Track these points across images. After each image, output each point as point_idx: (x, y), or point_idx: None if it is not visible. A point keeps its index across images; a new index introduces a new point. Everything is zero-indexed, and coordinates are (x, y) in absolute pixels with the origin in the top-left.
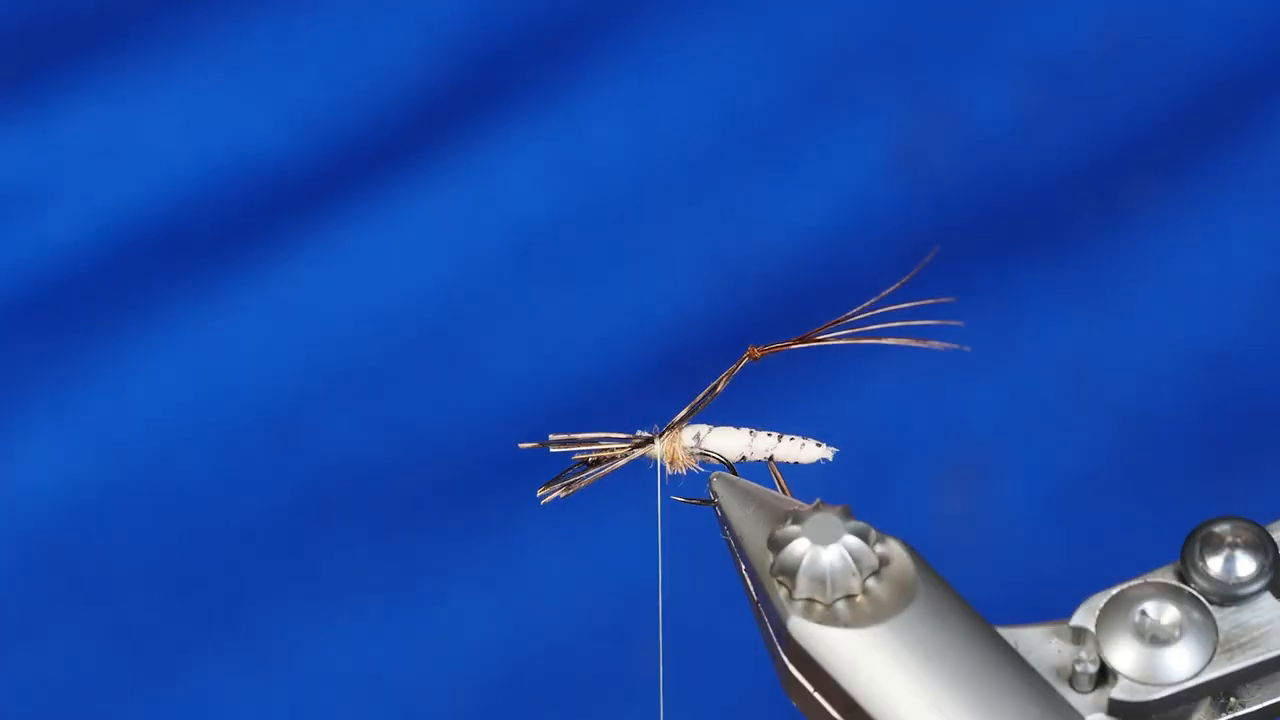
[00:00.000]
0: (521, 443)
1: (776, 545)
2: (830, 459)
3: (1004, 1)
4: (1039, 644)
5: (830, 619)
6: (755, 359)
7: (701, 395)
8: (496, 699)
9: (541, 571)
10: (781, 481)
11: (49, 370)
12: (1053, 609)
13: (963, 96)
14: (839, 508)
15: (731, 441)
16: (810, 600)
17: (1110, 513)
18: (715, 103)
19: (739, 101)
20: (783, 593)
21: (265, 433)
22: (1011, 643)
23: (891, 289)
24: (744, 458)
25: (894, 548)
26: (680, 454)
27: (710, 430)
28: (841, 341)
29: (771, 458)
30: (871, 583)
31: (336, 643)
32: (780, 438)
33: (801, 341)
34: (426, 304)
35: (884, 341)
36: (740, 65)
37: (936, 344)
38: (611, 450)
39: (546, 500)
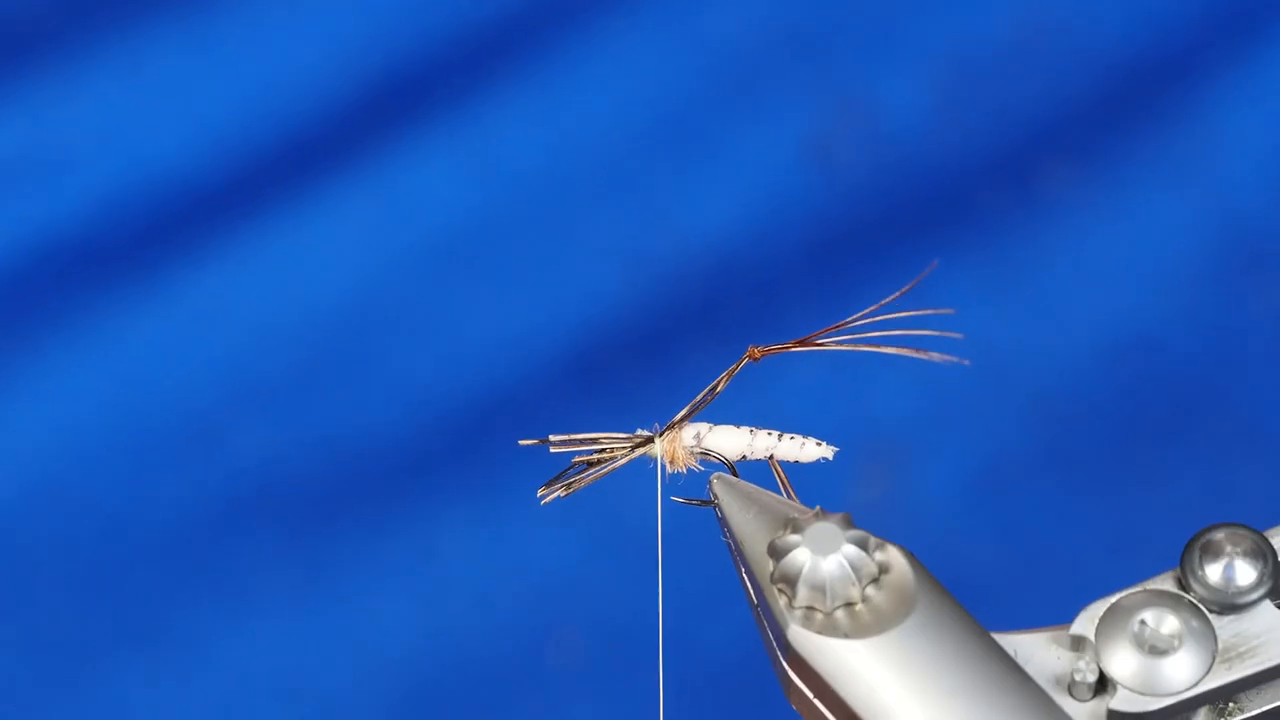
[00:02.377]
0: (522, 439)
1: (776, 553)
2: (830, 458)
3: None
4: (1038, 651)
5: (830, 628)
6: (755, 359)
7: (701, 395)
8: (414, 698)
9: (456, 571)
10: (784, 480)
11: None
12: (972, 595)
13: (876, 88)
14: (839, 516)
15: (732, 440)
16: (810, 609)
17: (1028, 498)
18: (628, 102)
19: (652, 100)
20: (783, 601)
21: (180, 439)
22: (1010, 650)
23: (892, 297)
24: (744, 456)
25: (893, 555)
26: (680, 453)
27: (710, 429)
28: (842, 348)
29: (772, 456)
30: (871, 591)
31: (253, 647)
32: (780, 437)
33: (801, 345)
34: (342, 310)
35: (884, 350)
36: (652, 64)
37: (936, 356)
38: (611, 450)
39: (547, 500)
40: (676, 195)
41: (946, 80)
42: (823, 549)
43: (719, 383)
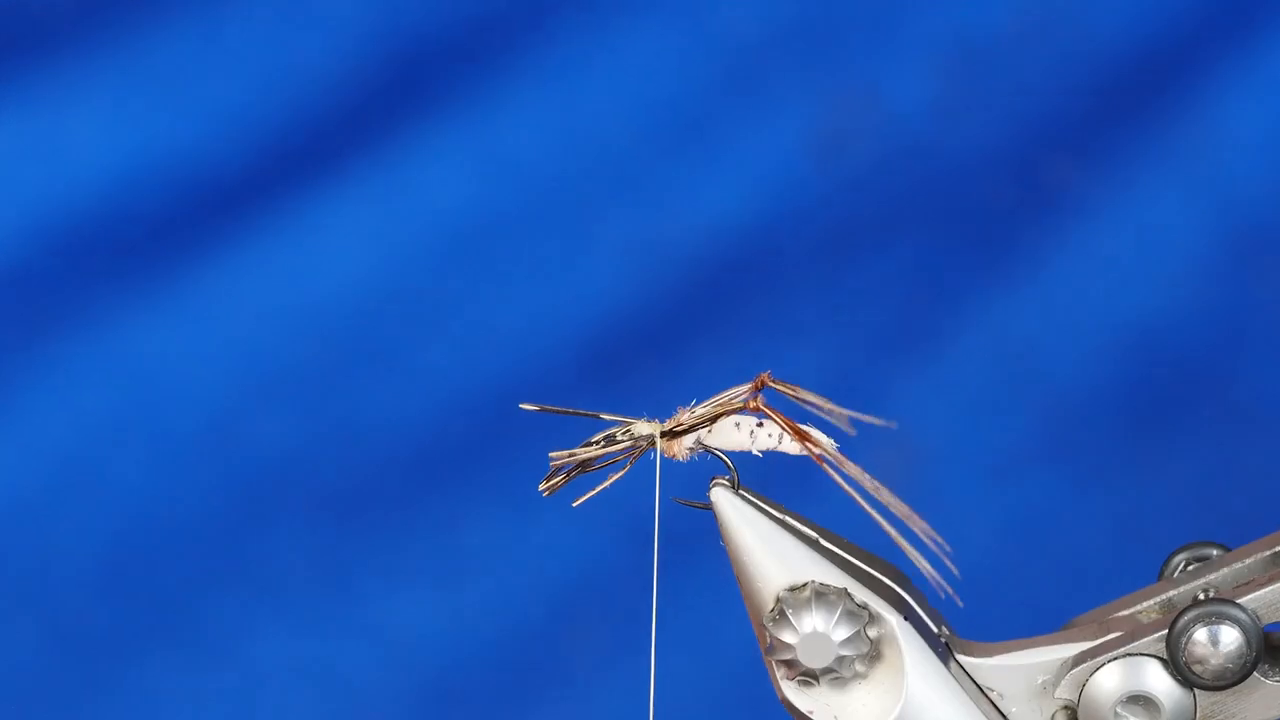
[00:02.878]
0: (523, 404)
1: (771, 635)
2: (831, 454)
3: None
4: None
5: (823, 707)
6: (757, 393)
7: (707, 416)
8: (438, 689)
9: (479, 562)
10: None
11: None
12: (983, 588)
13: (881, 80)
14: (837, 590)
15: (733, 437)
16: (804, 679)
17: (1038, 490)
18: (637, 96)
19: (660, 94)
20: (779, 671)
21: (200, 432)
22: (1000, 672)
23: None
24: (747, 451)
25: (888, 628)
26: (681, 451)
27: (711, 429)
28: (834, 458)
29: (821, 459)
30: (861, 668)
31: (278, 638)
32: (781, 436)
33: (794, 431)
34: (356, 301)
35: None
36: (661, 57)
37: (927, 566)
38: (611, 451)
39: (548, 494)
40: (685, 189)
41: (953, 71)
42: (813, 659)
43: (720, 415)
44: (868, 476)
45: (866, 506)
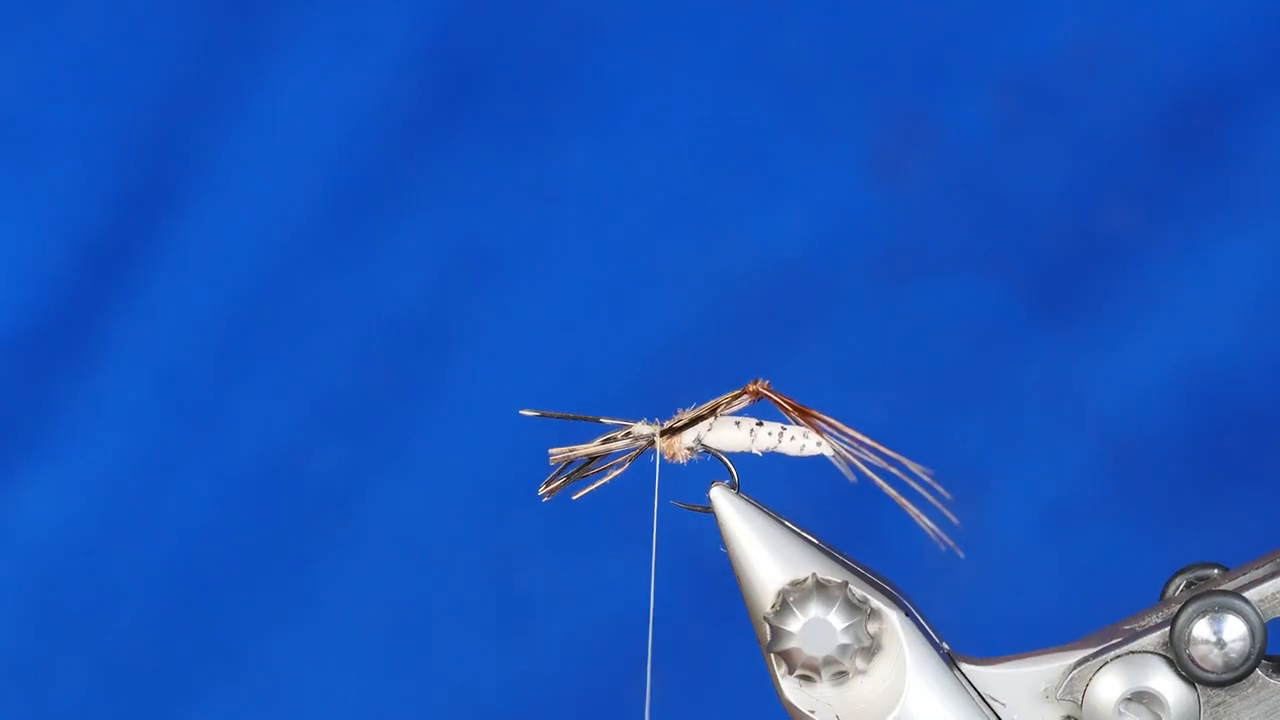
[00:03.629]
0: (523, 409)
1: (771, 628)
2: (830, 454)
3: (978, 15)
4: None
5: (823, 706)
6: (753, 395)
7: (703, 411)
8: None
9: (532, 602)
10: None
11: (38, 411)
12: (1041, 633)
13: (939, 110)
14: (836, 583)
15: (734, 436)
16: (804, 677)
17: (1099, 536)
18: (694, 124)
19: (717, 120)
20: (781, 668)
21: (258, 467)
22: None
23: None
24: (747, 451)
25: (889, 623)
26: (681, 451)
27: (711, 427)
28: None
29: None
30: (862, 663)
31: (334, 678)
32: (781, 435)
33: (800, 413)
34: (419, 333)
35: (876, 481)
36: (716, 84)
37: (929, 525)
38: (612, 452)
39: (547, 498)
40: (743, 216)
41: (1011, 104)
42: (815, 647)
43: (718, 406)
44: (867, 440)
45: (873, 476)
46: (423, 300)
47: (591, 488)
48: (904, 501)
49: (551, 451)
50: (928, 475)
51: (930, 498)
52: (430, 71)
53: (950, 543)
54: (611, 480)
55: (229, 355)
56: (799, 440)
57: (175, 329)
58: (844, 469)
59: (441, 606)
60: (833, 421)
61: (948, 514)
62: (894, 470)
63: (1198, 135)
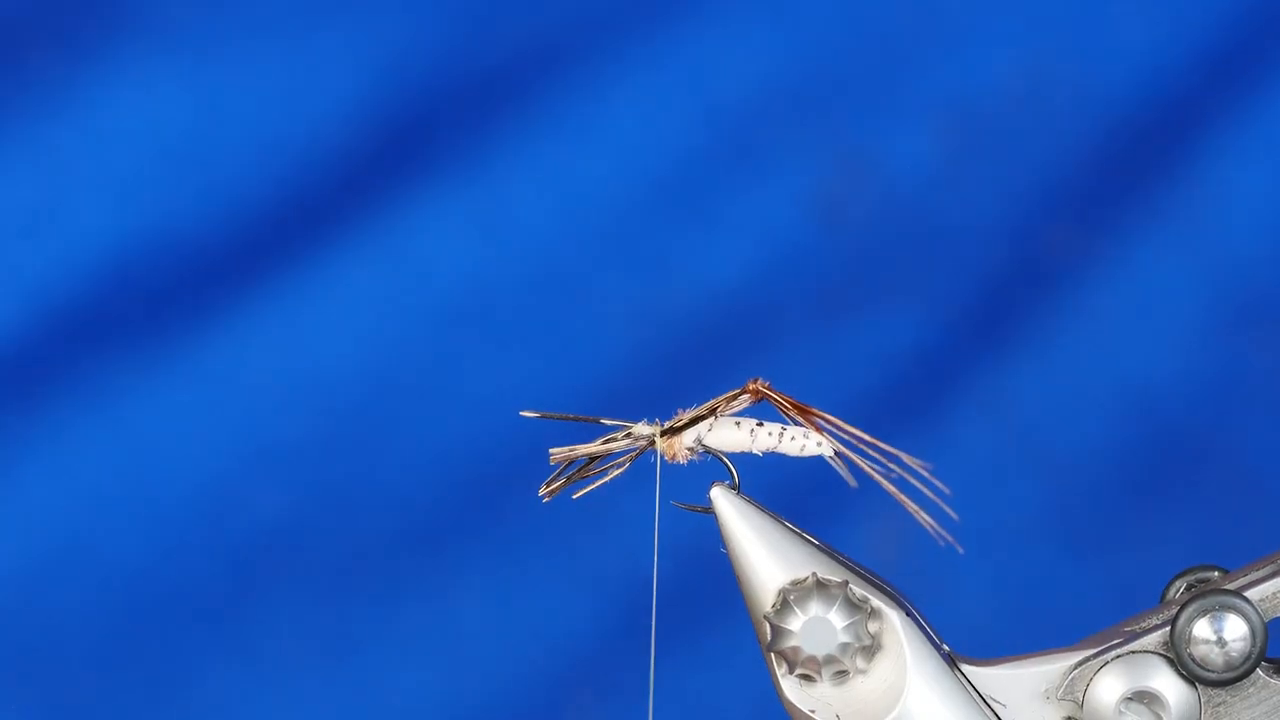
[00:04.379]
0: (524, 411)
1: (772, 627)
2: (829, 455)
3: (919, 49)
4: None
5: (823, 706)
6: (752, 394)
7: (703, 411)
8: None
9: (474, 634)
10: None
11: None
12: (979, 646)
13: (880, 144)
14: (836, 583)
15: (733, 438)
16: (805, 676)
17: (1035, 554)
18: (634, 160)
19: (658, 158)
20: (780, 669)
21: (198, 504)
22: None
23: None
24: (747, 451)
25: (889, 622)
26: (681, 452)
27: (711, 427)
28: (839, 446)
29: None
30: (863, 663)
31: (273, 709)
32: (781, 435)
33: (800, 410)
34: (353, 371)
35: (875, 476)
36: (658, 122)
37: (926, 518)
38: (611, 451)
39: (548, 498)
40: (683, 253)
41: (950, 135)
42: (816, 646)
43: (718, 406)
44: (867, 436)
45: (873, 473)
46: (358, 342)
47: (591, 487)
48: (903, 498)
49: (552, 451)
50: (926, 470)
51: (929, 493)
52: (364, 112)
53: (949, 538)
54: (611, 480)
55: (167, 395)
56: (799, 440)
57: (112, 369)
58: (843, 472)
59: (377, 641)
60: (832, 419)
61: (947, 509)
62: (893, 467)
63: (1136, 159)
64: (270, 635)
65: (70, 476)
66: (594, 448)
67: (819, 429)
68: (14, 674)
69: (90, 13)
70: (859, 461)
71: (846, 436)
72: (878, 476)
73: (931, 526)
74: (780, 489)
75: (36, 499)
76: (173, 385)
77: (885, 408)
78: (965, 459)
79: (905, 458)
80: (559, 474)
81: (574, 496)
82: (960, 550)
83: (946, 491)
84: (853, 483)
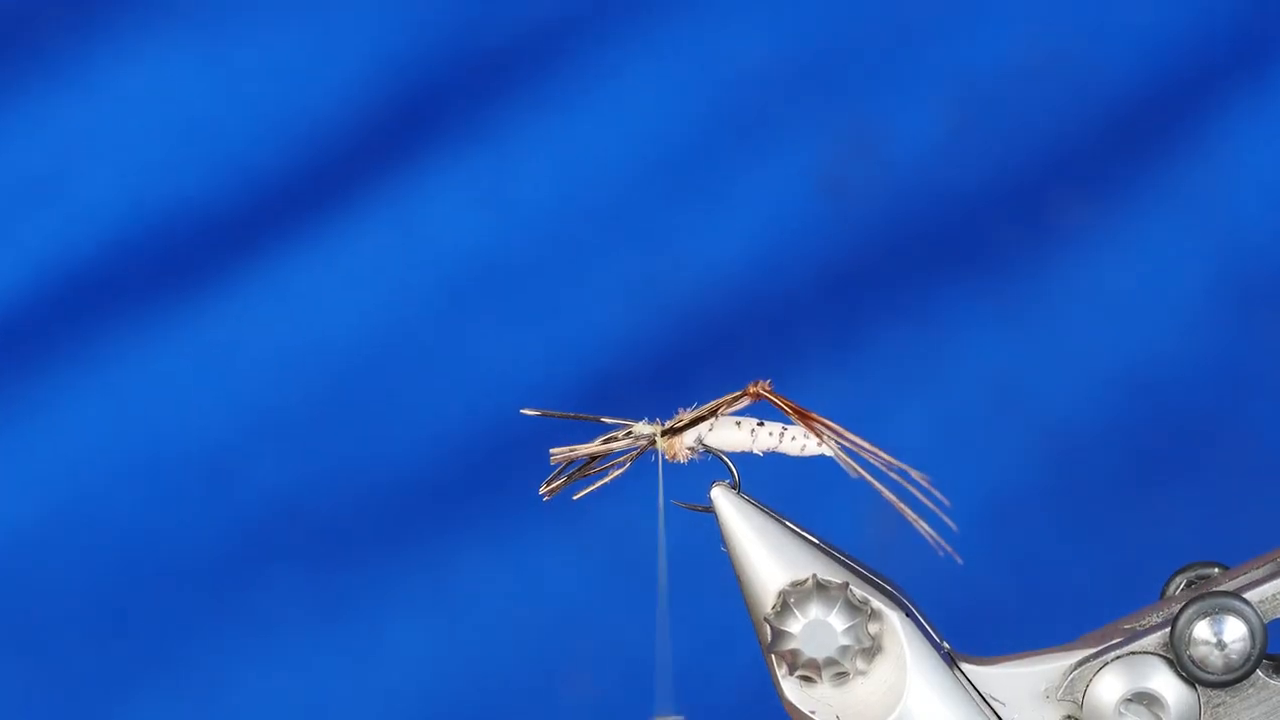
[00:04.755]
0: (524, 409)
1: (773, 629)
2: (831, 454)
3: (924, 26)
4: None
5: (824, 706)
6: (752, 396)
7: (704, 412)
8: None
9: (473, 604)
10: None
11: None
12: (981, 630)
13: (886, 120)
14: (837, 584)
15: (733, 437)
16: (805, 678)
17: (1037, 528)
18: (641, 137)
19: (665, 135)
20: (781, 670)
21: (198, 471)
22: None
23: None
24: (748, 451)
25: (890, 624)
26: (682, 451)
27: (712, 427)
28: (836, 452)
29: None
30: (863, 664)
31: (271, 678)
32: (782, 435)
33: (799, 415)
34: (358, 343)
35: (874, 483)
36: (665, 99)
37: (923, 525)
38: (612, 450)
39: (548, 496)
40: (690, 230)
41: (957, 112)
42: (815, 648)
43: (719, 407)
44: (867, 444)
45: (872, 481)
46: (362, 312)
47: (592, 487)
48: (903, 506)
49: (552, 451)
50: (926, 481)
51: (929, 503)
52: (378, 83)
53: (949, 548)
54: (612, 480)
55: (169, 362)
56: (800, 440)
57: (114, 335)
58: (845, 466)
59: (376, 608)
60: (833, 425)
61: (946, 520)
62: (893, 475)
63: (1142, 133)
64: (270, 602)
65: (72, 445)
66: (594, 447)
67: (819, 434)
68: (11, 641)
69: None
70: (857, 469)
71: (846, 443)
72: (878, 484)
73: (931, 536)
74: (780, 488)
75: (38, 467)
76: (177, 354)
77: (887, 382)
78: (966, 430)
79: (907, 468)
80: (559, 473)
81: (574, 497)
82: (959, 561)
83: (947, 503)
84: (853, 474)
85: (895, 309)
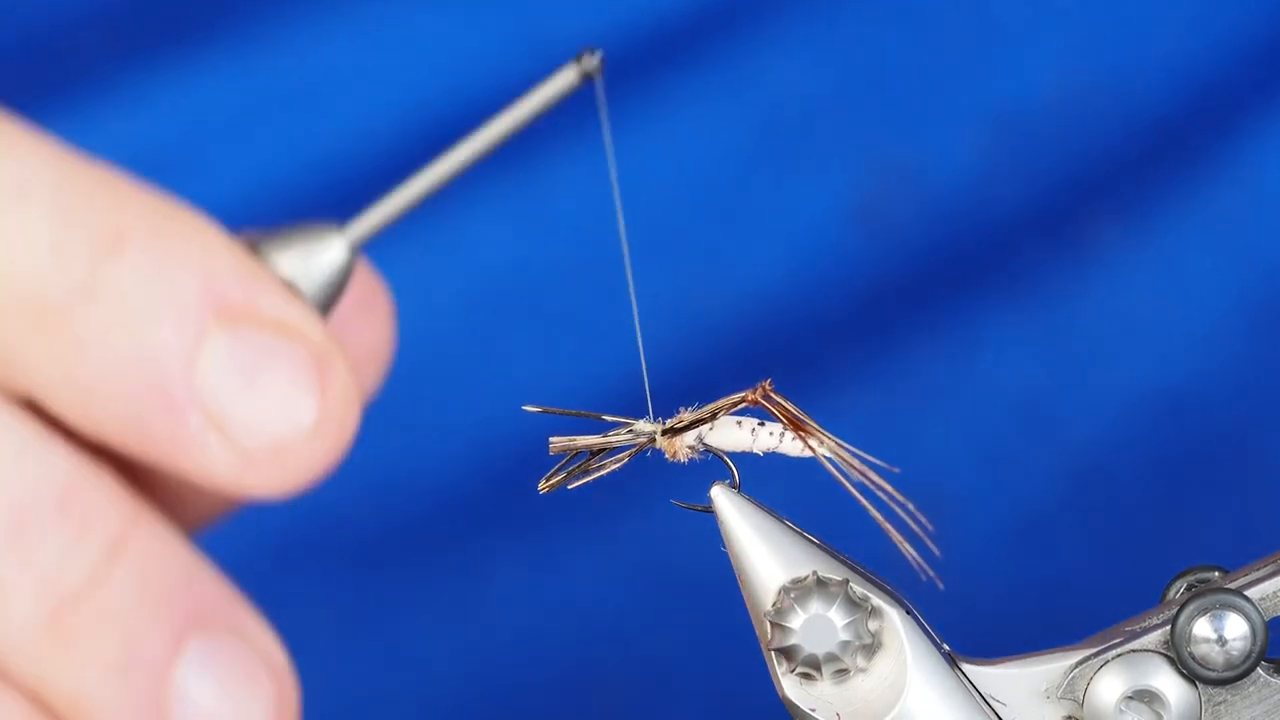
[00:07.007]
0: (527, 405)
1: (773, 626)
2: (829, 455)
3: (960, 53)
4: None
5: (824, 705)
6: (755, 398)
7: (704, 414)
8: None
9: (503, 614)
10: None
11: None
12: (1004, 647)
13: (920, 148)
14: (838, 581)
15: (735, 436)
16: (805, 675)
17: (1065, 551)
18: (678, 160)
19: (701, 159)
20: (781, 667)
21: None
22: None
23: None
24: (748, 451)
25: (890, 621)
26: (682, 451)
27: (712, 427)
28: (824, 459)
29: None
30: (863, 661)
31: (304, 685)
32: (782, 436)
33: (794, 426)
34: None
35: (860, 499)
36: (702, 121)
37: (909, 549)
38: (613, 445)
39: (547, 490)
40: (725, 253)
41: (990, 139)
42: (816, 644)
43: (721, 408)
44: (858, 464)
45: (862, 500)
46: (404, 322)
47: (587, 479)
48: (889, 527)
49: (552, 440)
50: (911, 506)
51: (915, 527)
52: (416, 100)
53: (931, 573)
54: (608, 474)
55: None
56: (800, 441)
57: None
58: (835, 476)
59: (408, 620)
60: (828, 436)
61: (930, 545)
62: (880, 495)
63: (1172, 159)
64: (301, 610)
65: None
66: (593, 440)
67: (807, 443)
68: None
69: None
70: (845, 483)
71: (836, 459)
72: (865, 502)
73: (914, 559)
74: (780, 488)
75: None
76: None
77: (915, 401)
78: (993, 449)
79: (894, 492)
80: (559, 468)
81: (569, 487)
82: (940, 586)
83: (931, 529)
84: (842, 478)
85: (926, 329)
